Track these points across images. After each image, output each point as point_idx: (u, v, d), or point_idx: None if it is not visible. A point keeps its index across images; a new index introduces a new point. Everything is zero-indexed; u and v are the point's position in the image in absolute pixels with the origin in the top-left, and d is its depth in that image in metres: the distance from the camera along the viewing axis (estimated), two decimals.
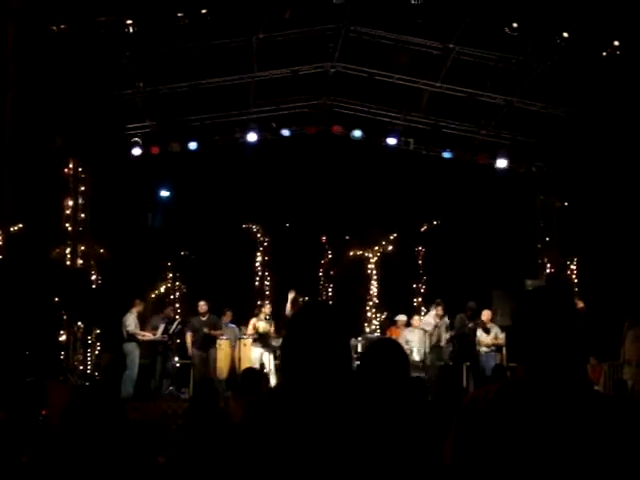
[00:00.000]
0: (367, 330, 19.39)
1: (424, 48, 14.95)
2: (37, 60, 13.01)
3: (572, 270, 17.64)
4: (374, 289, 20.67)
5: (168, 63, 14.68)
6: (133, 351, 14.88)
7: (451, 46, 14.63)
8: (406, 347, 13.32)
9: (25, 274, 13.04)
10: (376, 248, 20.91)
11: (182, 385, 15.73)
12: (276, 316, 16.12)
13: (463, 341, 15.35)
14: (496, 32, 13.81)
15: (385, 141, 17.30)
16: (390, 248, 20.99)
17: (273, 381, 13.98)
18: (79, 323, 16.19)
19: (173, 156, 16.99)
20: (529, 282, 16.05)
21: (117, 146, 16.59)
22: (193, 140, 16.69)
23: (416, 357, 15.08)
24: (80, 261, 16.49)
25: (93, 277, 16.98)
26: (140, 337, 15.01)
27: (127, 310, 15.18)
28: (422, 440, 3.47)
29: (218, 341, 15.25)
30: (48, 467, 3.74)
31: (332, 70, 16.21)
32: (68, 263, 16.22)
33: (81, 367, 16.10)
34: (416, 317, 16.69)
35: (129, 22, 13.08)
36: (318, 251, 20.99)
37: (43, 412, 9.29)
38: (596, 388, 13.52)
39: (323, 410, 2.67)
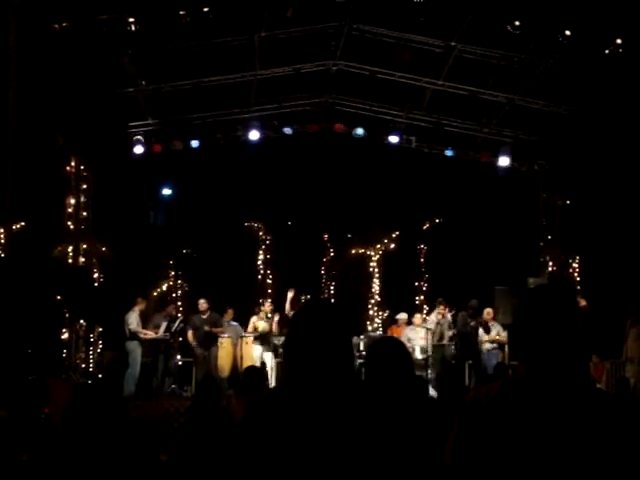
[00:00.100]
0: (369, 328, 19.36)
1: (426, 46, 14.94)
2: (39, 58, 13.02)
3: (574, 268, 17.62)
4: (376, 287, 20.62)
5: (170, 61, 14.67)
6: (135, 349, 14.90)
7: (453, 44, 14.62)
8: (408, 345, 13.31)
9: (27, 272, 13.06)
10: (378, 246, 20.87)
11: (184, 383, 15.75)
12: (281, 314, 16.10)
13: (465, 339, 15.35)
14: (498, 30, 13.80)
15: (387, 139, 17.29)
16: (392, 246, 20.94)
17: (272, 380, 13.98)
18: (81, 321, 16.19)
19: (175, 154, 16.98)
20: (531, 280, 16.03)
21: (119, 144, 16.58)
22: (195, 138, 16.69)
23: (418, 355, 15.07)
24: (82, 259, 16.49)
25: (95, 275, 16.97)
26: (142, 335, 15.03)
27: (129, 308, 15.20)
28: (424, 438, 3.47)
29: (220, 339, 15.25)
30: (50, 466, 3.74)
31: (334, 68, 16.20)
32: (70, 261, 16.22)
33: (83, 365, 16.09)
34: (418, 315, 16.68)
35: (131, 20, 13.09)
36: (320, 249, 20.95)
37: (45, 410, 9.30)
38: (598, 386, 13.53)
39: (325, 408, 2.67)
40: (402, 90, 16.41)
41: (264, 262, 20.20)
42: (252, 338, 15.48)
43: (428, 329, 15.53)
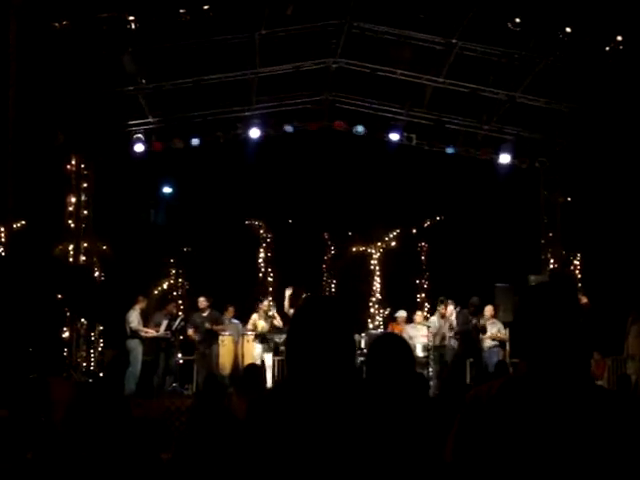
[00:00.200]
0: (370, 326, 19.38)
1: (427, 43, 14.92)
2: (39, 57, 13.02)
3: (576, 265, 17.63)
4: (377, 285, 20.64)
5: (170, 59, 14.67)
6: (136, 348, 14.91)
7: (454, 41, 14.60)
8: (409, 343, 13.31)
9: (28, 271, 13.06)
10: (379, 244, 20.88)
11: (185, 381, 15.76)
12: (280, 312, 16.09)
13: (466, 337, 15.34)
14: (499, 27, 13.79)
15: (388, 137, 17.29)
16: (393, 244, 20.97)
17: (269, 379, 13.98)
18: (82, 320, 16.20)
19: (176, 152, 16.99)
20: (532, 278, 16.03)
21: (119, 142, 16.59)
22: (195, 136, 16.69)
23: (419, 353, 15.08)
24: (83, 258, 16.50)
25: (96, 274, 16.99)
26: (143, 334, 15.03)
27: (130, 307, 15.20)
28: (425, 436, 3.46)
29: (221, 337, 15.24)
30: (52, 464, 3.74)
31: (334, 66, 16.19)
32: (71, 260, 16.23)
33: (84, 364, 16.12)
34: (419, 313, 16.70)
35: (131, 18, 13.08)
36: (321, 247, 20.96)
37: (46, 409, 9.29)
38: (600, 383, 13.52)
39: (328, 405, 2.66)
40: (403, 87, 16.40)
41: (265, 260, 20.23)
42: (252, 336, 15.48)
43: (429, 327, 15.54)
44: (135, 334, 14.94)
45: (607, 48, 13.63)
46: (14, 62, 11.90)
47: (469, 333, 15.32)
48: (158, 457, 5.13)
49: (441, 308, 15.78)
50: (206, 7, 13.12)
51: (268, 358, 15.37)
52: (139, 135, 16.32)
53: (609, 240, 16.11)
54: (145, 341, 15.05)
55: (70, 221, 16.31)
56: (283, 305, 16.00)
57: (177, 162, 17.83)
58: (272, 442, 2.65)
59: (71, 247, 16.28)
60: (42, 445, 5.77)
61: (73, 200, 16.36)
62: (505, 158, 17.23)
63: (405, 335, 14.50)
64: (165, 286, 20.16)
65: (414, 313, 16.62)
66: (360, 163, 18.80)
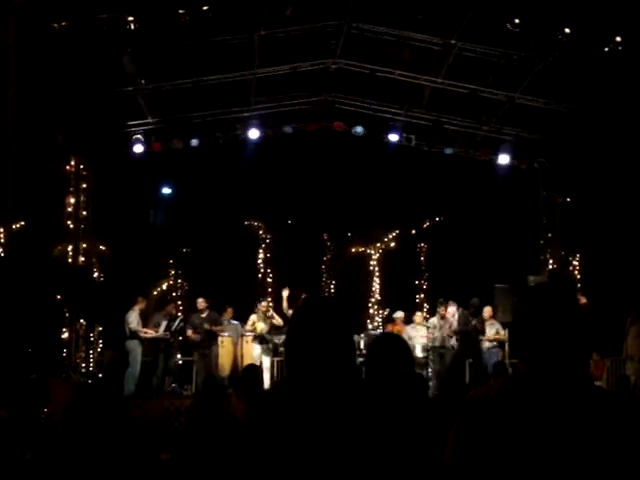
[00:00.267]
0: (369, 327, 19.38)
1: (426, 44, 14.92)
2: (38, 57, 13.00)
3: (575, 266, 17.63)
4: (376, 286, 20.64)
5: (170, 60, 14.66)
6: (135, 348, 14.91)
7: (453, 42, 14.60)
8: (409, 343, 13.32)
9: (27, 272, 13.04)
10: (378, 245, 20.88)
11: (184, 382, 15.76)
12: (279, 313, 16.09)
13: (466, 338, 15.34)
14: (498, 28, 13.78)
15: (387, 137, 17.29)
16: (392, 245, 20.97)
17: (267, 381, 13.97)
18: (81, 321, 16.20)
19: (175, 153, 16.98)
20: (531, 278, 16.03)
21: (118, 143, 16.59)
22: (195, 137, 16.69)
23: (419, 354, 15.09)
24: (82, 259, 16.49)
25: (95, 275, 16.98)
26: (142, 334, 15.03)
27: (129, 307, 15.20)
28: (425, 436, 3.47)
29: (220, 338, 15.25)
30: (51, 464, 3.74)
31: (333, 66, 16.19)
32: (70, 261, 16.22)
33: (83, 365, 16.11)
34: (419, 313, 16.71)
35: (130, 19, 13.07)
36: (320, 248, 20.96)
37: (45, 410, 9.29)
38: (599, 384, 13.53)
39: (326, 406, 2.66)
40: (401, 88, 16.40)
41: (264, 261, 20.22)
42: (252, 337, 15.49)
43: (428, 328, 15.55)
44: (134, 335, 14.94)
45: (606, 49, 13.63)
46: (13, 63, 11.88)
47: (469, 334, 15.34)
48: (157, 458, 5.13)
49: (441, 309, 15.78)
50: (205, 8, 13.11)
51: (266, 360, 15.36)
52: (138, 136, 16.32)
53: (608, 241, 16.12)
54: (144, 342, 15.05)
55: (69, 222, 16.30)
56: (282, 306, 16.00)
57: (176, 163, 17.83)
58: (271, 442, 2.66)
59: (70, 248, 16.28)
60: (41, 446, 5.77)
61: (72, 201, 16.35)
62: (504, 159, 17.24)
63: (405, 336, 14.50)
64: (164, 287, 20.15)
65: (414, 314, 16.63)
66: (359, 164, 18.80)
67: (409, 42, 14.92)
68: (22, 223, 15.22)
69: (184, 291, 19.97)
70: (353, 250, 21.05)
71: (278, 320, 15.65)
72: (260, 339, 15.52)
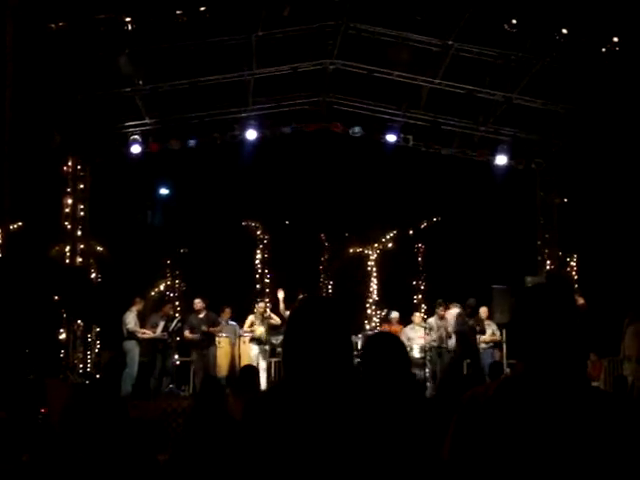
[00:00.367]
0: (367, 327, 19.38)
1: (423, 45, 14.93)
2: (36, 58, 12.99)
3: (572, 267, 17.63)
4: (374, 286, 20.65)
5: (167, 61, 14.65)
6: (133, 349, 14.89)
7: (450, 43, 14.61)
8: (407, 344, 13.30)
9: (24, 272, 13.02)
10: (376, 245, 20.89)
11: (182, 383, 15.75)
12: (276, 314, 16.09)
13: (463, 338, 15.35)
14: (495, 29, 13.80)
15: (384, 138, 17.29)
16: (390, 245, 20.97)
17: (264, 383, 13.97)
18: (79, 321, 16.18)
19: (172, 154, 16.97)
20: (529, 279, 16.03)
21: (116, 144, 16.58)
22: (192, 137, 16.68)
23: (417, 354, 15.09)
24: (79, 259, 16.48)
25: (93, 275, 16.97)
26: (140, 335, 15.01)
27: (127, 308, 15.18)
28: (423, 437, 3.47)
29: (217, 339, 15.24)
30: (48, 466, 3.73)
31: (331, 67, 16.19)
32: (67, 261, 16.21)
33: (81, 365, 16.10)
34: (417, 314, 16.70)
35: (128, 20, 13.07)
36: (318, 248, 20.97)
37: (43, 410, 9.28)
38: (596, 384, 13.55)
39: (324, 406, 2.66)
40: (399, 89, 16.41)
41: (262, 261, 20.20)
42: (249, 338, 15.48)
43: (426, 328, 15.55)
44: (132, 335, 14.92)
45: (603, 49, 13.65)
46: (11, 63, 11.87)
47: (466, 334, 15.34)
48: (155, 458, 5.12)
49: (439, 310, 15.79)
50: (203, 8, 13.12)
51: (262, 363, 15.34)
52: (136, 136, 16.31)
53: (606, 241, 16.13)
54: (142, 342, 15.03)
55: (67, 222, 16.29)
56: (278, 307, 15.99)
57: (174, 163, 17.83)
58: (268, 442, 2.66)
59: (68, 248, 16.26)
60: (39, 446, 5.76)
61: (70, 201, 16.34)
62: (501, 159, 17.24)
63: (403, 336, 14.54)
64: (162, 287, 20.15)
65: (412, 314, 16.63)
66: (357, 164, 18.82)
67: (406, 43, 14.93)
68: (20, 223, 15.22)
69: (181, 291, 19.96)
70: (351, 250, 21.06)
71: (276, 319, 15.65)
72: (258, 340, 15.52)
